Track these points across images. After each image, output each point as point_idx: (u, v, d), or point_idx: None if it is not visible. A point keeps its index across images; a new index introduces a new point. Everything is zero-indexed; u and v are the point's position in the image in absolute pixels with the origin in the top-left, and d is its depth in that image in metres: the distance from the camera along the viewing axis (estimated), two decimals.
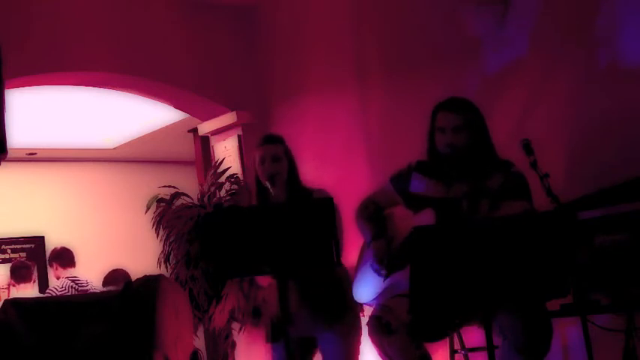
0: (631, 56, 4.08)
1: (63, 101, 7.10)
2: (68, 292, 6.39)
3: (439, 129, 3.49)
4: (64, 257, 6.64)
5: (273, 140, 3.84)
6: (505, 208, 3.35)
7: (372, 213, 3.74)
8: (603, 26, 4.20)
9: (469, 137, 3.46)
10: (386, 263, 3.54)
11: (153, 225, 5.78)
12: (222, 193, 5.89)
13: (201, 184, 6.23)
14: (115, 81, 6.02)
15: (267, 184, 3.74)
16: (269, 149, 3.77)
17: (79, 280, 6.52)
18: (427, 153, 3.60)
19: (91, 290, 6.47)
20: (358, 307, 3.84)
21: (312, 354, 3.84)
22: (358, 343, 3.76)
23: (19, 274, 6.72)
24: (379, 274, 3.57)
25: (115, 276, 6.38)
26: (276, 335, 3.72)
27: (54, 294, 6.42)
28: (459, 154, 3.45)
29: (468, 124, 3.46)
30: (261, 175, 3.77)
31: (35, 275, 6.84)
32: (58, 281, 6.59)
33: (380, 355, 3.44)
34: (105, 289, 6.45)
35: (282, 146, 3.81)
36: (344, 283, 3.73)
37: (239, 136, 6.26)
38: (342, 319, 3.69)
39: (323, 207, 3.07)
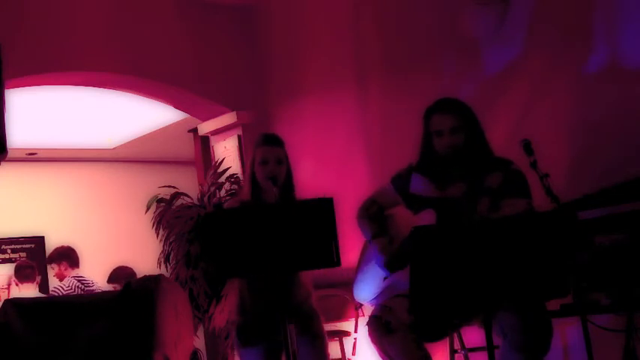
0: (631, 56, 4.08)
1: (63, 101, 7.10)
2: (75, 291, 6.37)
3: (436, 132, 3.48)
4: (72, 257, 6.63)
5: (277, 142, 3.74)
6: (507, 206, 3.35)
7: (374, 213, 3.74)
8: (603, 26, 4.21)
9: (465, 136, 3.46)
10: (390, 259, 3.53)
11: (153, 225, 5.78)
12: (222, 193, 5.89)
13: (201, 184, 6.22)
14: (115, 81, 6.02)
15: (266, 185, 3.64)
16: (273, 151, 3.68)
17: (85, 280, 6.51)
18: (421, 157, 3.59)
19: (97, 290, 6.46)
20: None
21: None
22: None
23: (23, 274, 6.72)
24: (384, 271, 3.56)
25: (121, 273, 6.38)
26: (245, 340, 3.67)
27: (59, 293, 6.39)
28: (459, 154, 3.46)
29: (464, 124, 3.46)
30: (259, 175, 3.67)
31: (39, 276, 6.84)
32: (64, 280, 6.57)
33: (380, 355, 3.43)
34: (110, 285, 6.46)
35: (284, 150, 3.75)
36: (303, 290, 3.67)
37: (239, 136, 6.26)
38: (311, 328, 3.65)
39: (323, 207, 3.06)
